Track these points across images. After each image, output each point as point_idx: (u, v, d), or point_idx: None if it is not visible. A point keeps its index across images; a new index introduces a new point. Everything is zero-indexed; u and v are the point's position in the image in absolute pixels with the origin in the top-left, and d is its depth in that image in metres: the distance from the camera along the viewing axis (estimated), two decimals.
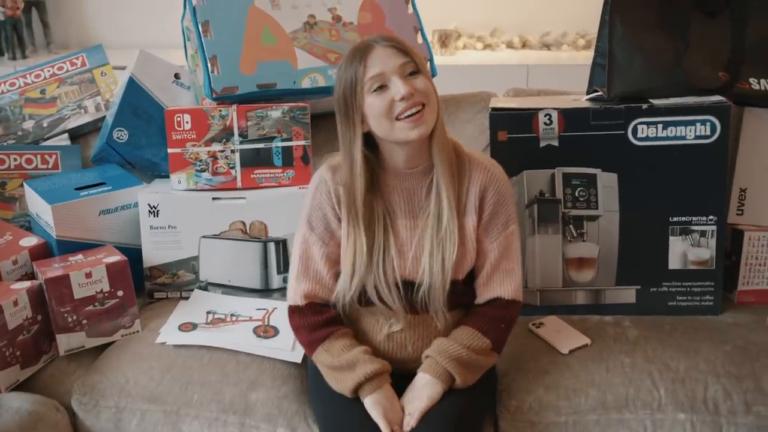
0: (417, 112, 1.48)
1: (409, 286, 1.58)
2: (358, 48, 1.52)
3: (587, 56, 3.60)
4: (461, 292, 1.61)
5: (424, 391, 1.53)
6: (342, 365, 1.54)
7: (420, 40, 2.13)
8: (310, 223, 1.62)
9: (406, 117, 1.48)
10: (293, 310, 1.64)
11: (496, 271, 1.62)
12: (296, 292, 1.63)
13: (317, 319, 1.60)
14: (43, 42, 4.08)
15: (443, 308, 1.57)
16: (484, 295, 1.63)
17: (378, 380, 1.52)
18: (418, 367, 1.58)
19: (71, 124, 2.28)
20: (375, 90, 1.49)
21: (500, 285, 1.62)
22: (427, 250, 1.56)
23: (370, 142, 1.56)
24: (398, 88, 1.47)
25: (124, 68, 2.24)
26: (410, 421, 1.48)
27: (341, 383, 1.54)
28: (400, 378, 1.58)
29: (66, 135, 2.27)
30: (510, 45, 3.92)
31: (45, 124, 2.26)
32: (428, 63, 2.11)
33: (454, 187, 1.56)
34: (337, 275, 1.61)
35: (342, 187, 1.57)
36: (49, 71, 2.32)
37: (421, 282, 1.57)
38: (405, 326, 1.60)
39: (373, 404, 1.50)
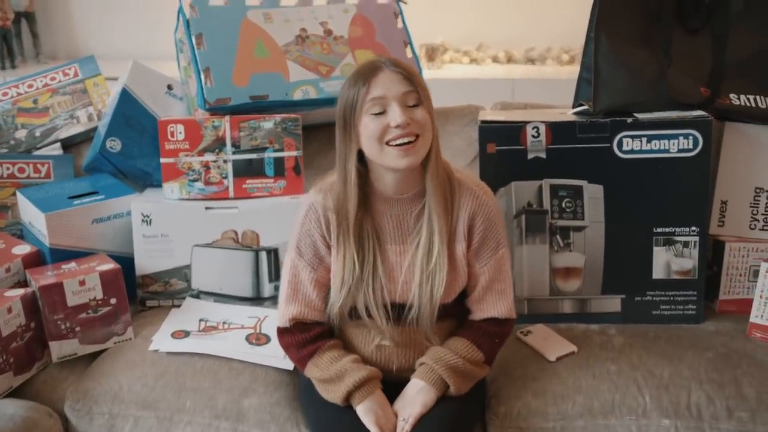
0: (409, 143, 1.48)
1: (398, 308, 1.59)
2: (366, 67, 1.53)
3: (571, 71, 3.69)
4: (451, 307, 1.63)
5: (418, 397, 1.54)
6: (331, 377, 1.56)
7: (409, 54, 2.17)
8: (299, 248, 1.63)
9: (397, 145, 1.48)
10: (281, 332, 1.65)
11: (488, 293, 1.64)
12: (284, 315, 1.64)
13: (305, 336, 1.61)
14: (33, 52, 4.09)
15: (431, 327, 1.59)
16: (477, 314, 1.65)
17: (368, 387, 1.54)
18: (408, 376, 1.60)
19: (63, 133, 2.29)
20: (373, 113, 1.49)
21: (493, 306, 1.64)
22: (417, 279, 1.57)
23: (364, 161, 1.57)
24: (395, 115, 1.47)
25: (114, 79, 2.26)
26: (405, 426, 1.50)
27: (332, 393, 1.56)
28: (391, 386, 1.59)
29: (58, 144, 2.28)
30: (495, 59, 3.97)
31: (37, 134, 2.28)
32: None
33: (447, 218, 1.57)
34: (326, 298, 1.63)
35: (335, 201, 1.57)
36: (41, 81, 2.33)
37: (411, 305, 1.58)
38: (393, 340, 1.61)
39: (365, 411, 1.52)
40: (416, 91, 1.50)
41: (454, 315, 1.66)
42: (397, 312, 1.59)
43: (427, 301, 1.56)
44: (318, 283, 1.62)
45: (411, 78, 1.50)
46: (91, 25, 4.13)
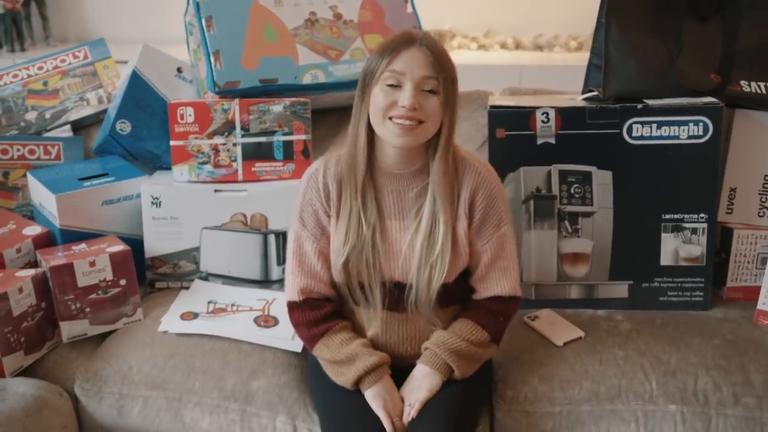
0: (410, 125, 1.48)
1: (397, 288, 1.60)
2: (401, 38, 1.51)
3: (579, 58, 3.67)
4: (453, 290, 1.62)
5: (423, 382, 1.55)
6: (342, 359, 1.56)
7: None
8: (302, 219, 1.64)
9: (398, 123, 1.48)
10: (292, 306, 1.65)
11: (491, 270, 1.63)
12: (293, 287, 1.64)
13: (315, 315, 1.62)
14: (42, 35, 4.09)
15: (431, 310, 1.59)
16: (481, 292, 1.65)
17: (378, 372, 1.54)
18: (413, 360, 1.60)
19: (73, 115, 2.30)
20: (388, 84, 1.48)
21: (497, 283, 1.63)
22: (416, 261, 1.57)
23: (372, 131, 1.56)
24: (406, 95, 1.47)
25: (124, 63, 2.27)
26: (411, 411, 1.51)
27: (342, 376, 1.56)
28: (397, 371, 1.60)
29: (68, 126, 2.29)
30: (504, 46, 3.95)
31: (47, 116, 2.28)
32: None
33: (453, 207, 1.57)
34: (330, 270, 1.64)
35: (342, 166, 1.59)
36: (51, 64, 2.34)
37: (410, 286, 1.58)
38: (391, 325, 1.61)
39: (373, 396, 1.52)
40: (436, 79, 1.48)
41: (458, 300, 1.67)
42: (397, 294, 1.59)
43: (425, 286, 1.56)
44: (321, 254, 1.62)
45: (437, 63, 1.48)
46: (101, 8, 4.12)
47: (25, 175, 2.13)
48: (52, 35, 4.08)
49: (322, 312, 1.62)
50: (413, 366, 1.60)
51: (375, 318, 1.61)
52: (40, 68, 2.34)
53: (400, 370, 1.60)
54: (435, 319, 1.61)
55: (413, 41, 1.49)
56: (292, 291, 1.64)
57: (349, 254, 1.57)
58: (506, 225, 1.63)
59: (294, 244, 1.65)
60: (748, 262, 1.95)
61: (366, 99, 1.52)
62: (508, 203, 1.66)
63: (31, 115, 2.28)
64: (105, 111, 2.26)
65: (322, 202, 1.61)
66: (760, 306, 1.85)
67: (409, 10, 2.17)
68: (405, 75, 1.47)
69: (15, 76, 2.32)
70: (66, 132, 2.28)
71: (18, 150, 2.17)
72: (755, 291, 1.88)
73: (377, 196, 1.59)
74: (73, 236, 1.95)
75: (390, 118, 1.49)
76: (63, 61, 2.34)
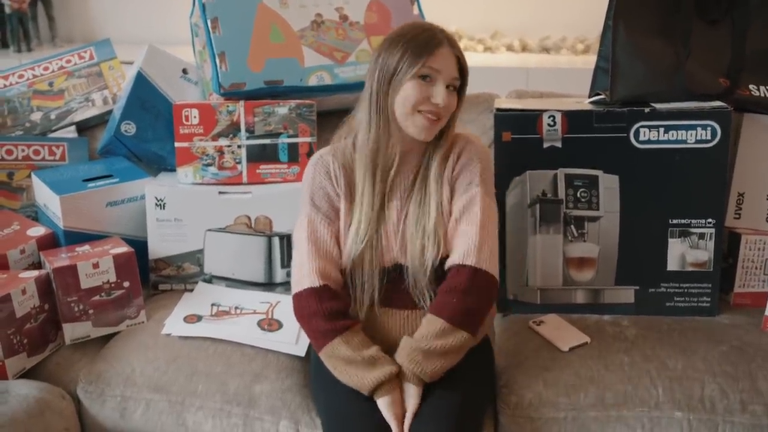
0: (435, 119, 1.56)
1: (396, 270, 1.60)
2: (429, 35, 1.57)
3: (586, 60, 3.66)
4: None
5: (408, 398, 1.52)
6: (362, 360, 1.52)
7: None
8: (314, 202, 1.64)
9: (427, 116, 1.55)
10: (308, 294, 1.57)
11: (453, 236, 1.60)
12: (310, 271, 1.58)
13: (336, 306, 1.56)
14: (48, 36, 4.10)
15: (429, 290, 1.58)
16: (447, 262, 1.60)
17: (396, 381, 1.52)
18: None
19: (78, 116, 2.29)
20: (422, 77, 1.54)
21: (455, 250, 1.58)
22: (410, 237, 1.60)
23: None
24: (440, 94, 1.55)
25: (130, 63, 2.26)
26: (406, 422, 1.49)
27: (359, 379, 1.52)
28: None
29: (73, 127, 2.29)
30: (510, 48, 3.95)
31: (52, 116, 2.28)
32: None
33: (441, 185, 1.62)
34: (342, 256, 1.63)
35: (359, 150, 1.62)
36: (57, 64, 2.34)
37: (407, 265, 1.60)
38: (385, 321, 1.61)
39: (388, 405, 1.50)
40: (458, 78, 1.58)
41: None
42: (395, 278, 1.60)
43: (420, 263, 1.57)
44: (336, 238, 1.63)
45: (460, 64, 1.59)
46: (107, 8, 4.13)
47: (29, 176, 2.13)
48: (58, 35, 4.09)
49: (342, 304, 1.58)
50: None
51: (362, 313, 1.61)
52: (46, 69, 2.33)
53: None
54: (432, 295, 1.58)
55: (442, 41, 1.56)
56: (309, 276, 1.58)
57: (367, 241, 1.59)
58: (478, 188, 1.61)
59: (308, 230, 1.63)
60: (756, 268, 1.93)
61: (395, 91, 1.56)
62: (492, 174, 1.68)
63: (36, 116, 2.28)
64: (110, 112, 2.26)
65: (333, 184, 1.64)
66: None
67: (416, 11, 2.17)
68: (441, 73, 1.55)
69: (21, 76, 2.32)
70: (71, 133, 2.28)
71: (23, 150, 2.17)
72: (763, 297, 1.87)
73: (391, 180, 1.63)
74: (76, 237, 1.95)
75: (419, 111, 1.55)
76: (68, 61, 2.34)
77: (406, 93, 1.55)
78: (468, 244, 1.56)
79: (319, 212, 1.63)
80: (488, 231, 1.59)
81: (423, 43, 1.55)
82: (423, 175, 1.63)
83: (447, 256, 1.59)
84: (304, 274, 1.60)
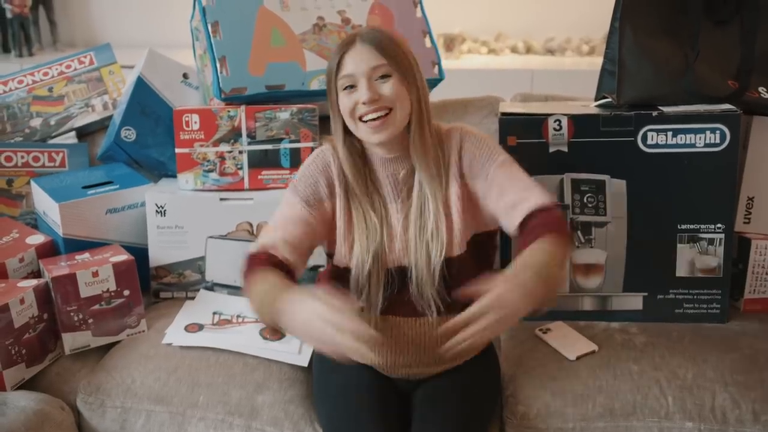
0: (379, 117, 1.50)
1: (399, 274, 1.57)
2: (343, 42, 1.55)
3: (591, 62, 3.64)
4: (462, 269, 1.56)
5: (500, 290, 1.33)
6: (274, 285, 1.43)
7: (428, 44, 2.14)
8: (296, 186, 1.62)
9: (367, 120, 1.51)
10: (251, 255, 1.52)
11: (508, 196, 1.54)
12: (257, 243, 1.54)
13: (273, 260, 1.49)
14: (50, 40, 4.11)
15: (435, 297, 1.55)
16: (517, 219, 1.52)
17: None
18: (418, 370, 1.59)
19: (78, 122, 2.28)
20: (345, 88, 1.52)
21: (526, 200, 1.52)
22: (413, 239, 1.55)
23: None
24: (362, 92, 1.50)
25: (131, 67, 2.24)
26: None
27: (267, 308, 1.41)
28: (400, 384, 1.60)
29: (73, 133, 2.27)
30: (514, 50, 3.94)
31: (52, 122, 2.27)
32: (436, 66, 2.13)
33: (440, 182, 1.57)
34: (309, 250, 1.58)
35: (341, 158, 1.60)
36: (57, 69, 2.32)
37: (411, 267, 1.56)
38: (391, 330, 1.58)
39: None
40: (386, 64, 1.50)
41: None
42: (399, 282, 1.56)
43: (425, 263, 1.54)
44: (307, 228, 1.56)
45: (382, 49, 1.50)
46: (109, 12, 4.13)
47: (29, 183, 2.11)
48: (60, 40, 4.10)
49: (284, 271, 1.48)
50: (418, 377, 1.59)
51: (371, 322, 1.55)
52: (45, 74, 2.32)
53: (404, 383, 1.59)
54: (436, 309, 1.54)
55: (353, 40, 1.52)
56: (254, 245, 1.53)
57: (374, 254, 1.55)
58: (502, 155, 1.59)
59: (279, 209, 1.60)
60: (767, 273, 1.91)
61: (335, 108, 1.56)
62: (498, 144, 1.65)
63: (36, 122, 2.26)
64: (110, 117, 2.24)
65: (327, 178, 1.60)
66: None
67: (419, 14, 2.15)
68: (355, 74, 1.51)
69: (20, 81, 2.30)
70: (71, 139, 2.26)
71: (22, 157, 2.16)
72: None
73: (377, 182, 1.60)
74: (76, 245, 1.93)
75: (360, 119, 1.51)
76: (68, 66, 2.32)
77: (341, 106, 1.54)
78: (537, 191, 1.53)
79: (296, 195, 1.60)
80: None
81: (335, 54, 1.54)
82: (417, 178, 1.57)
83: (451, 257, 1.55)
84: (258, 243, 1.55)
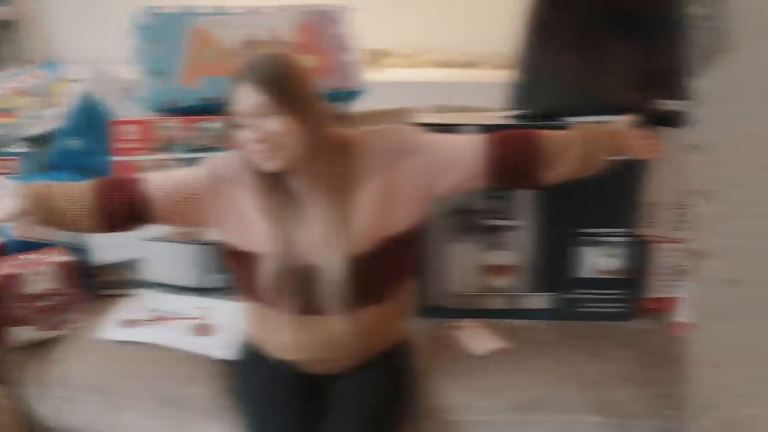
0: (271, 151, 1.46)
1: (309, 273, 1.55)
2: (234, 75, 1.49)
3: (508, 75, 3.60)
4: (373, 270, 1.56)
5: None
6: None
7: (351, 57, 2.23)
8: (211, 162, 1.65)
9: (257, 154, 1.48)
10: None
11: (458, 158, 1.59)
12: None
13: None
14: (13, 57, 4.13)
15: (344, 295, 1.54)
16: (495, 156, 1.59)
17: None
18: (334, 366, 1.63)
19: (30, 132, 2.38)
20: (237, 126, 1.48)
21: (473, 142, 1.60)
22: (321, 242, 1.53)
23: None
24: (249, 132, 1.46)
25: (79, 81, 2.36)
26: None
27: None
28: (317, 380, 1.64)
29: (25, 143, 2.37)
30: (434, 64, 3.95)
31: (7, 133, 2.37)
32: (358, 79, 2.22)
33: (345, 189, 1.55)
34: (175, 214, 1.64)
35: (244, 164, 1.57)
36: (10, 84, 2.44)
37: (319, 267, 1.54)
38: (305, 329, 1.59)
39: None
40: (270, 103, 1.44)
41: (379, 296, 1.61)
42: (308, 282, 1.55)
43: (333, 263, 1.52)
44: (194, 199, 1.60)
45: (269, 87, 1.44)
46: (67, 30, 4.13)
47: None
48: (21, 57, 4.13)
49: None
50: (334, 373, 1.63)
51: (285, 320, 1.59)
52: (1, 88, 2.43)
53: (322, 378, 1.64)
54: (343, 311, 1.56)
55: (239, 79, 1.47)
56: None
57: (283, 253, 1.54)
58: (421, 145, 1.59)
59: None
60: (666, 274, 1.98)
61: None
62: (414, 131, 1.64)
63: None
64: (58, 128, 2.34)
65: (241, 169, 1.58)
66: (677, 317, 1.90)
67: (343, 30, 2.24)
68: (242, 114, 1.46)
69: None
70: (24, 148, 2.36)
71: None
72: (673, 302, 1.93)
73: (286, 186, 1.57)
74: (23, 246, 1.99)
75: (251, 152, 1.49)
76: (21, 81, 2.44)
77: (236, 138, 1.51)
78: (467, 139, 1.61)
79: (207, 167, 1.63)
80: None
81: (228, 86, 1.50)
82: (318, 188, 1.55)
83: (361, 257, 1.54)
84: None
